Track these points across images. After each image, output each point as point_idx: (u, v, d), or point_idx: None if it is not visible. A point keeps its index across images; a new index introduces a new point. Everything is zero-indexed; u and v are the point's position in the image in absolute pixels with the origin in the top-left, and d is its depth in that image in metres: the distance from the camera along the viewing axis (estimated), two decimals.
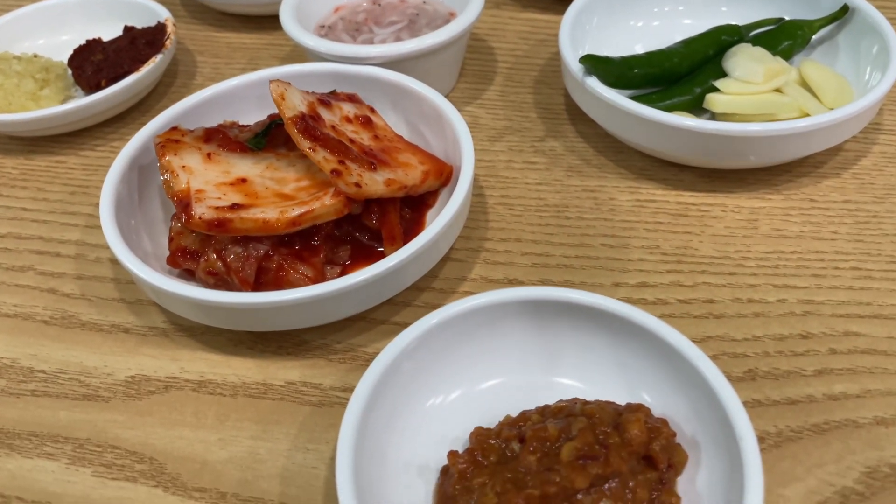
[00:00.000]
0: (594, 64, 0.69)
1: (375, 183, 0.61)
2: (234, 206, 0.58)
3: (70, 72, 0.85)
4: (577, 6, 0.78)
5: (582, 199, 0.70)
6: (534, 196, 0.71)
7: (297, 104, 0.62)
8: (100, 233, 0.70)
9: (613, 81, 0.71)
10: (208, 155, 0.63)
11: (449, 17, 0.84)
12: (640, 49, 0.81)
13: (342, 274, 0.62)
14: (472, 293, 0.62)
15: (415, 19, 0.84)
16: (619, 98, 0.68)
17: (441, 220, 0.58)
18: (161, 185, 0.69)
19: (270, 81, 0.62)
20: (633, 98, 0.71)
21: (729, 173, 0.71)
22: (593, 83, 0.69)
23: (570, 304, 0.53)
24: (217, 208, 0.58)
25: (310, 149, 0.60)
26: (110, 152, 0.80)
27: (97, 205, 0.73)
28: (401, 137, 0.69)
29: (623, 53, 0.80)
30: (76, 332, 0.63)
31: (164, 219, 0.67)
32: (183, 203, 0.59)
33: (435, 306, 0.62)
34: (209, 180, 0.61)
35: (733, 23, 0.78)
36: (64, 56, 0.88)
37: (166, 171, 0.61)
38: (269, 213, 0.58)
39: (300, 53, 0.92)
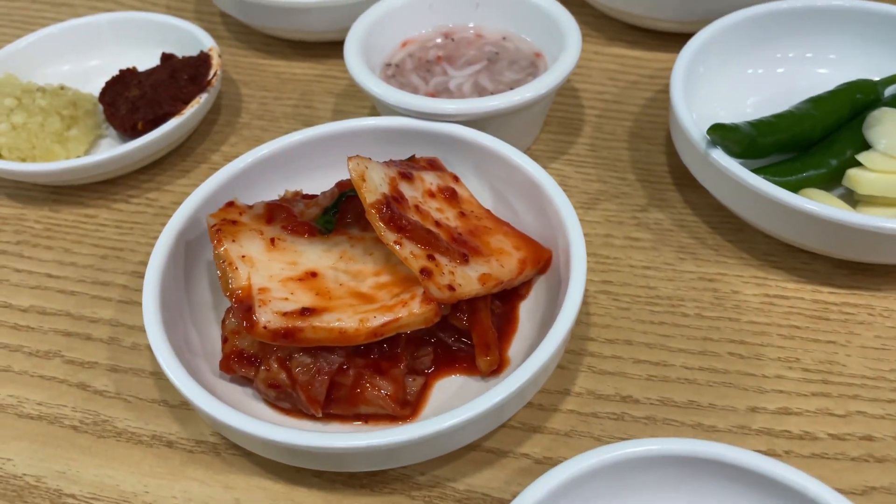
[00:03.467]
0: (723, 134, 0.59)
1: (470, 282, 0.51)
2: (305, 312, 0.49)
3: (101, 107, 0.75)
4: (689, 53, 0.67)
5: (699, 291, 0.60)
6: (641, 284, 0.61)
7: (378, 185, 0.52)
8: (136, 310, 0.61)
9: (740, 152, 0.60)
10: (272, 241, 0.53)
11: (534, 57, 0.73)
12: (752, 102, 0.71)
13: (425, 386, 0.53)
14: (577, 412, 0.53)
15: (494, 59, 0.74)
16: (748, 176, 0.57)
17: (547, 347, 0.47)
18: (211, 261, 0.59)
19: (349, 158, 0.52)
20: (760, 169, 0.61)
21: (872, 265, 0.60)
22: (719, 156, 0.59)
23: (714, 463, 0.43)
24: (285, 314, 0.48)
25: (395, 243, 0.50)
26: (146, 206, 0.70)
27: (132, 273, 0.64)
28: (489, 213, 0.59)
29: (734, 106, 0.70)
30: (111, 443, 0.53)
31: (214, 303, 0.58)
32: (244, 306, 0.49)
33: (533, 427, 0.52)
34: (273, 275, 0.51)
35: (870, 77, 0.67)
36: (93, 85, 0.78)
37: (223, 261, 0.51)
38: (346, 322, 0.48)
39: (358, 89, 0.81)
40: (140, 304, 0.61)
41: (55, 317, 0.61)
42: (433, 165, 0.60)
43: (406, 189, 0.55)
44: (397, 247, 0.50)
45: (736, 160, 0.59)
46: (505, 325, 0.56)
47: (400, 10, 0.75)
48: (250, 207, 0.55)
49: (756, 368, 0.55)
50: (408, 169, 0.57)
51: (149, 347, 0.59)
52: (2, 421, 0.55)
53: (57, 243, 0.67)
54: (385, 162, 0.56)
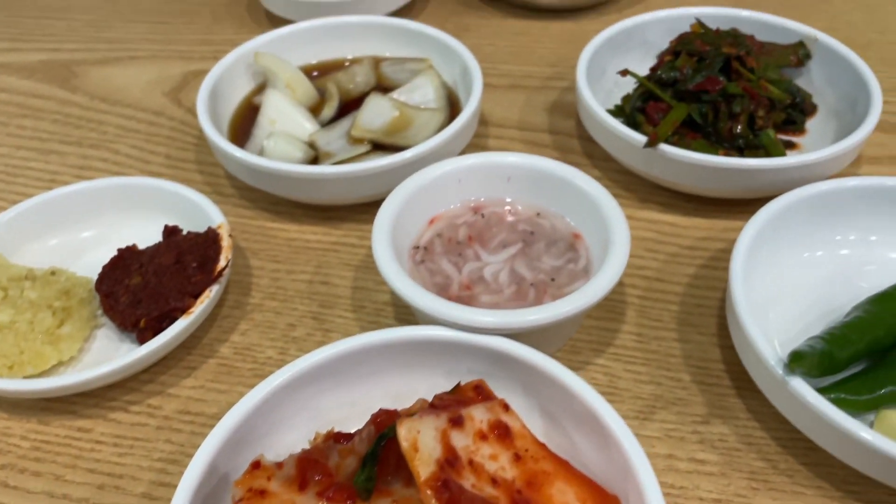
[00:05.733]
0: (802, 363, 0.53)
1: None
2: None
3: (97, 295, 0.68)
4: (748, 237, 0.63)
5: None
6: None
7: (431, 451, 0.46)
8: None
9: (819, 374, 0.55)
10: None
11: (573, 238, 0.68)
12: (812, 287, 0.66)
13: None
14: None
15: (530, 240, 0.68)
16: (830, 410, 0.52)
17: None
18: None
19: (399, 423, 0.45)
20: (833, 386, 0.56)
21: None
22: (797, 384, 0.53)
23: None
24: None
25: None
26: (147, 416, 0.63)
27: None
28: (544, 449, 0.52)
29: (791, 291, 0.65)
30: None
31: None
32: None
33: None
34: None
35: None
36: (85, 261, 0.72)
37: None
38: None
39: None
40: None
41: None
42: (479, 392, 0.54)
43: (457, 439, 0.49)
44: None
45: (810, 380, 0.54)
46: None
47: (428, 186, 0.69)
48: (279, 467, 0.48)
49: None
50: (456, 410, 0.50)
51: None
52: None
53: (46, 467, 0.59)
54: (432, 406, 0.50)
